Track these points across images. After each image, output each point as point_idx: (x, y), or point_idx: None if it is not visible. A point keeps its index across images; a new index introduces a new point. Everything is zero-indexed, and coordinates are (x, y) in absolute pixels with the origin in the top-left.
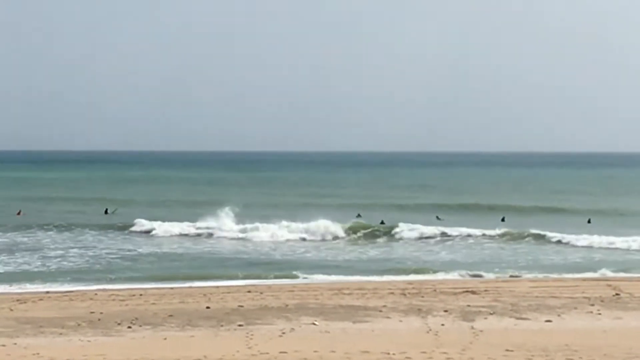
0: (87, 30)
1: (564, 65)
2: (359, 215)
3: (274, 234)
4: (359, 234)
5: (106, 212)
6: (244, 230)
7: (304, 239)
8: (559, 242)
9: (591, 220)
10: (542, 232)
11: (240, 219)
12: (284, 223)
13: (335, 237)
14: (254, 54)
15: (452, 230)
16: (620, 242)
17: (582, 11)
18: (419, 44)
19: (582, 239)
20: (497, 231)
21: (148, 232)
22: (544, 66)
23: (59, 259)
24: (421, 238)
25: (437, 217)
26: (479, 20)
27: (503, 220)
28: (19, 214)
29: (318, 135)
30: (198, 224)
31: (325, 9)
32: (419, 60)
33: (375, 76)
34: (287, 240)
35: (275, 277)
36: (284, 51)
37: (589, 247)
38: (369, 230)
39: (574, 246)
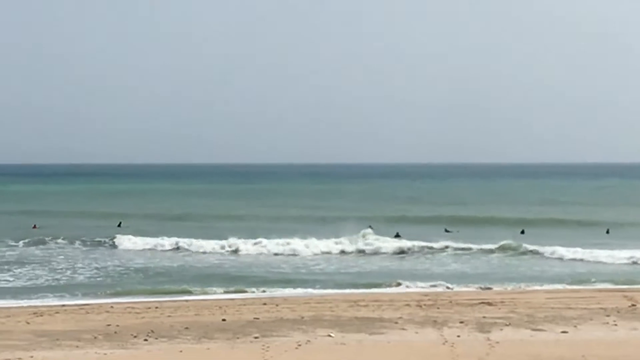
0: (100, 42)
1: (589, 71)
2: (370, 227)
3: (285, 247)
4: (370, 247)
5: (119, 225)
6: (252, 244)
7: (317, 253)
8: (555, 255)
9: (609, 231)
10: (538, 246)
11: (250, 232)
12: (299, 237)
13: (345, 251)
14: (261, 64)
15: (457, 244)
16: (631, 254)
17: (609, 16)
18: (434, 50)
19: (577, 252)
20: (495, 245)
21: (139, 247)
22: (564, 71)
23: (73, 272)
24: (432, 251)
25: (446, 230)
26: (498, 25)
27: (522, 232)
28: (34, 227)
29: (331, 147)
30: (215, 241)
31: (333, 8)
32: (434, 67)
33: (393, 86)
34: (298, 254)
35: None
36: (291, 61)
37: (582, 260)
38: (382, 242)
39: (577, 259)
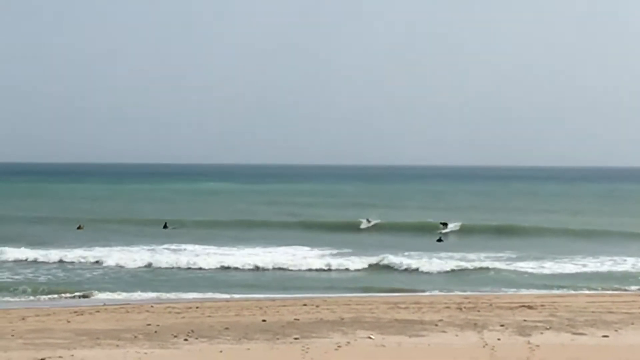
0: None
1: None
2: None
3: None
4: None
5: (165, 226)
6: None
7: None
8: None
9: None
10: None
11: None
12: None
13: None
14: (292, 64)
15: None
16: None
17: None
18: (482, 48)
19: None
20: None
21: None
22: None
23: (115, 272)
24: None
25: (441, 232)
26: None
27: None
28: (79, 227)
29: (379, 147)
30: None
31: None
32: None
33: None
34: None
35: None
36: (322, 63)
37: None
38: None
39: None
